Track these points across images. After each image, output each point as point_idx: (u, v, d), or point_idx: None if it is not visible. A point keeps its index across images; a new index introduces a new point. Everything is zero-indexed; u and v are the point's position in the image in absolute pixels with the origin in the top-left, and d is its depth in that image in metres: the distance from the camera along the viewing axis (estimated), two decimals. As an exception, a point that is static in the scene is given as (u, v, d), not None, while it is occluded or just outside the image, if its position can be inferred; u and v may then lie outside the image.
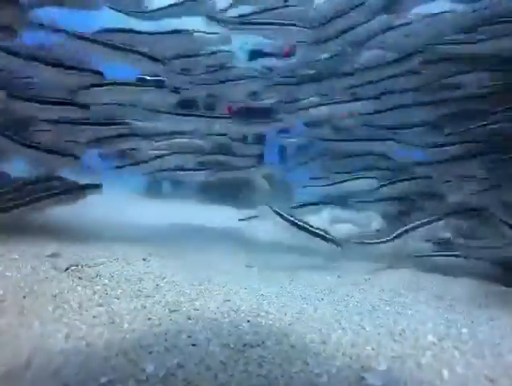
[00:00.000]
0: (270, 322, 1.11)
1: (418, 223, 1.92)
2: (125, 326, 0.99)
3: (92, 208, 2.83)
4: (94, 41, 1.92)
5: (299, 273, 1.70)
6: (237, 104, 3.12)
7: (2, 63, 1.78)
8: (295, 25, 2.13)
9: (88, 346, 0.88)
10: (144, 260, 1.54)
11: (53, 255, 1.40)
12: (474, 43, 1.89)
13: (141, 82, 2.40)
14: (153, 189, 4.83)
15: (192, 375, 0.81)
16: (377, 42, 2.24)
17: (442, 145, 2.18)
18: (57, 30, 1.87)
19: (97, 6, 2.07)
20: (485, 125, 1.98)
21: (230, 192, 4.45)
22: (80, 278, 1.24)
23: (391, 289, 1.54)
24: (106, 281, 1.26)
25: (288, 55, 3.32)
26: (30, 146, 1.89)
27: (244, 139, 3.12)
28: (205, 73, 2.44)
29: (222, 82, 2.44)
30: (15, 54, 1.75)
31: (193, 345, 0.93)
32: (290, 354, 0.93)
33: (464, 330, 1.14)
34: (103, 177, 2.16)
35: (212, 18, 2.18)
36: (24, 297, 1.05)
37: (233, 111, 3.32)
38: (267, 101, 2.73)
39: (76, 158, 2.02)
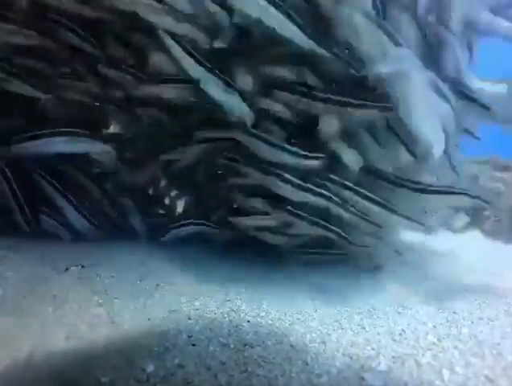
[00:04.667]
0: (270, 322, 1.11)
1: None
2: (125, 326, 0.99)
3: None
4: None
5: (299, 273, 1.70)
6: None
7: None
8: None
9: (88, 347, 0.88)
10: (144, 260, 1.54)
11: (53, 255, 1.40)
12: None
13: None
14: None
15: (192, 375, 0.81)
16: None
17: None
18: None
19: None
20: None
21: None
22: (80, 278, 1.24)
23: (391, 288, 1.54)
24: (106, 281, 1.26)
25: None
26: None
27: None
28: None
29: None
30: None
31: (193, 345, 0.92)
32: (290, 354, 0.93)
33: (464, 330, 1.14)
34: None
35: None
36: (24, 297, 1.05)
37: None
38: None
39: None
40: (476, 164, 3.68)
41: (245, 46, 1.46)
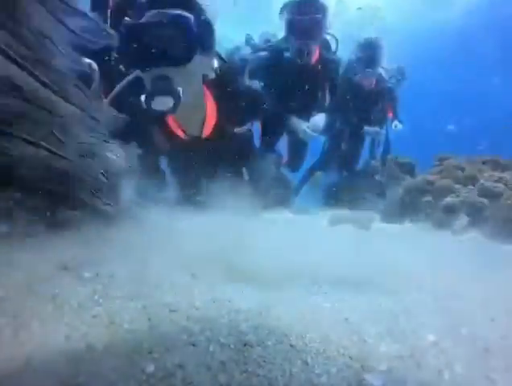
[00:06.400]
0: (270, 322, 1.10)
1: None
2: (125, 326, 0.99)
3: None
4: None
5: (299, 272, 1.70)
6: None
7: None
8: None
9: (88, 347, 0.88)
10: (144, 260, 1.54)
11: (54, 255, 1.40)
12: None
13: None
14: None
15: (192, 375, 0.81)
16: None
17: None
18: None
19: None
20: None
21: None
22: (80, 278, 1.24)
23: (391, 287, 1.54)
24: (106, 281, 1.25)
25: None
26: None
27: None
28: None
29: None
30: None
31: (193, 345, 0.92)
32: (290, 354, 0.93)
33: (465, 330, 1.14)
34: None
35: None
36: (24, 297, 1.05)
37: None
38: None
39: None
40: (476, 164, 3.68)
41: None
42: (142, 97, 2.31)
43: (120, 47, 2.27)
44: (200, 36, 2.31)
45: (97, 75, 2.46)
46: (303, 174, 5.58)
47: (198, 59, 2.38)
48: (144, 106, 2.30)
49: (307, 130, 3.98)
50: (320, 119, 4.09)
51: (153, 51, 2.21)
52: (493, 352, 1.01)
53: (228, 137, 2.92)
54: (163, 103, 2.28)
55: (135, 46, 2.22)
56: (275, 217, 3.41)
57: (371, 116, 5.28)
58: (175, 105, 2.30)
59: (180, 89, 2.31)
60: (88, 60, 2.40)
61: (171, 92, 2.28)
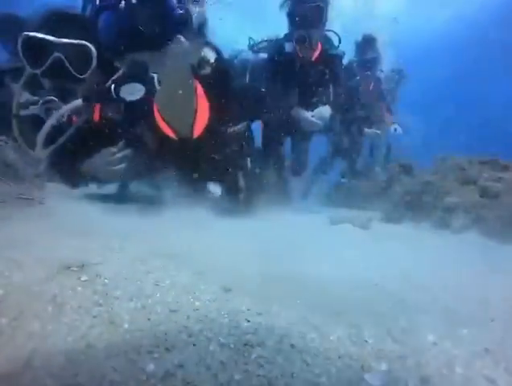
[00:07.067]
0: (270, 322, 1.10)
1: None
2: (125, 326, 0.99)
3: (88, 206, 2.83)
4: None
5: (299, 272, 1.70)
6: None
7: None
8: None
9: (88, 347, 0.88)
10: (144, 259, 1.54)
11: (53, 254, 1.40)
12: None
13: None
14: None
15: (192, 375, 0.81)
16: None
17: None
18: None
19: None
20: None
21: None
22: (80, 278, 1.24)
23: (391, 287, 1.54)
24: (106, 281, 1.25)
25: None
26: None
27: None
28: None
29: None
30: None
31: (193, 345, 0.92)
32: (290, 354, 0.93)
33: (465, 331, 1.14)
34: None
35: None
36: (24, 297, 1.05)
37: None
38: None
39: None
40: (476, 164, 3.68)
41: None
42: (112, 86, 2.04)
43: (95, 33, 1.98)
44: (181, 17, 2.02)
45: (94, 60, 2.29)
46: (310, 174, 5.60)
47: (181, 45, 2.07)
48: (114, 96, 2.03)
49: (312, 119, 3.86)
50: (325, 110, 3.99)
51: (123, 33, 1.90)
52: (494, 352, 1.01)
53: (222, 138, 2.73)
54: (132, 91, 2.01)
55: (106, 29, 1.93)
56: (275, 218, 3.41)
57: (370, 118, 5.29)
58: (149, 94, 2.03)
59: (155, 76, 2.05)
60: (85, 43, 2.25)
61: (142, 78, 2.00)
